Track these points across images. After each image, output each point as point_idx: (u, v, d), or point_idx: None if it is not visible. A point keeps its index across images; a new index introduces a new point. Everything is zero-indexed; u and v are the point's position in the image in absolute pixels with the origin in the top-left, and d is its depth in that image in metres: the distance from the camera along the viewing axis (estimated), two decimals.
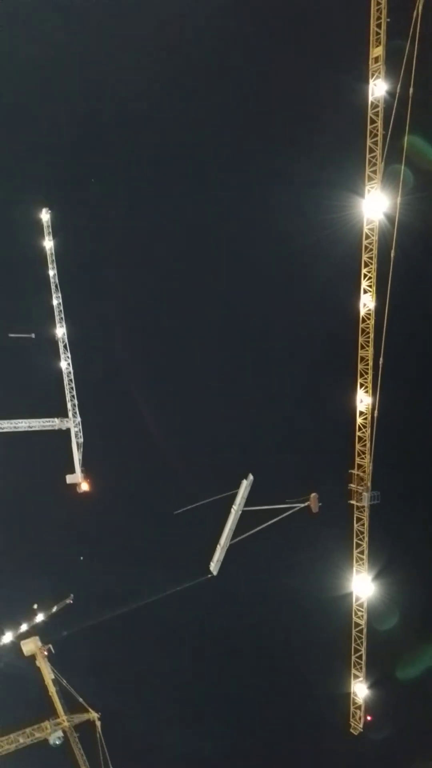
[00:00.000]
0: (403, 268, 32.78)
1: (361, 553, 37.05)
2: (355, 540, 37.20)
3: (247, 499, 38.93)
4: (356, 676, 38.91)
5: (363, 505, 36.33)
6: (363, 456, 35.83)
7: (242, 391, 46.36)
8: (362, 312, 34.06)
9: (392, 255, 32.25)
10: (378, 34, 29.45)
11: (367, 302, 33.82)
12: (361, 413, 35.35)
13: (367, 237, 32.67)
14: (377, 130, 30.67)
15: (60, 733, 39.15)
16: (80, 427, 46.19)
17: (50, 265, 47.59)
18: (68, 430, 46.06)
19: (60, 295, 47.25)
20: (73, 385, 46.75)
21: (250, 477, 39.41)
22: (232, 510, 38.66)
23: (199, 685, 45.99)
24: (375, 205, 31.97)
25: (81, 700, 40.03)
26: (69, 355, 46.96)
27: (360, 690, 39.04)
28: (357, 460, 36.28)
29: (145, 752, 43.09)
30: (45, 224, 47.86)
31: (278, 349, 45.58)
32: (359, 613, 37.86)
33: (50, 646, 40.58)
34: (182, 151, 44.01)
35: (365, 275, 33.39)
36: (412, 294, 38.15)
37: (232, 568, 38.69)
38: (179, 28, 41.71)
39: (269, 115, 42.03)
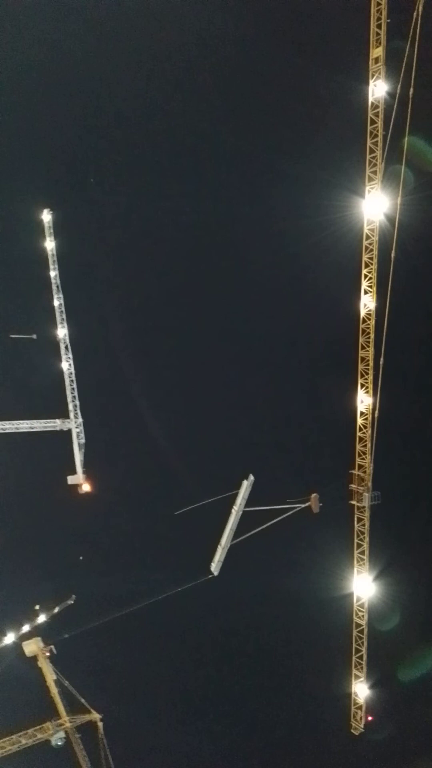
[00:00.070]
0: (403, 268, 32.80)
1: (362, 553, 37.08)
2: (355, 540, 37.23)
3: (248, 500, 38.97)
4: (357, 677, 38.95)
5: (364, 506, 36.35)
6: (364, 456, 35.85)
7: (243, 392, 46.41)
8: (363, 312, 34.08)
9: (393, 255, 32.29)
10: (378, 34, 29.46)
11: (367, 303, 33.84)
12: (362, 413, 35.37)
13: (368, 237, 32.68)
14: (377, 131, 30.67)
15: (62, 734, 39.17)
16: (82, 427, 46.19)
17: (52, 266, 47.52)
18: (70, 431, 46.04)
19: (61, 296, 47.21)
20: (75, 385, 46.75)
21: (251, 477, 39.45)
22: (233, 510, 38.69)
23: (200, 685, 46.04)
24: (375, 206, 31.98)
25: (83, 700, 40.08)
26: (70, 356, 46.97)
27: (361, 690, 39.07)
28: (358, 460, 36.29)
29: (147, 753, 43.13)
30: (46, 225, 47.82)
31: (279, 349, 45.59)
32: (360, 614, 37.90)
33: (52, 646, 40.65)
34: (184, 152, 44.02)
35: (366, 276, 33.40)
36: (412, 294, 38.18)
37: (233, 568, 38.73)
38: (180, 28, 41.68)
39: (269, 115, 42.01)
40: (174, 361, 46.75)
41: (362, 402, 35.25)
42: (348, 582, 38.07)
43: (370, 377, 34.42)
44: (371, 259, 32.88)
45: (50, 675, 40.24)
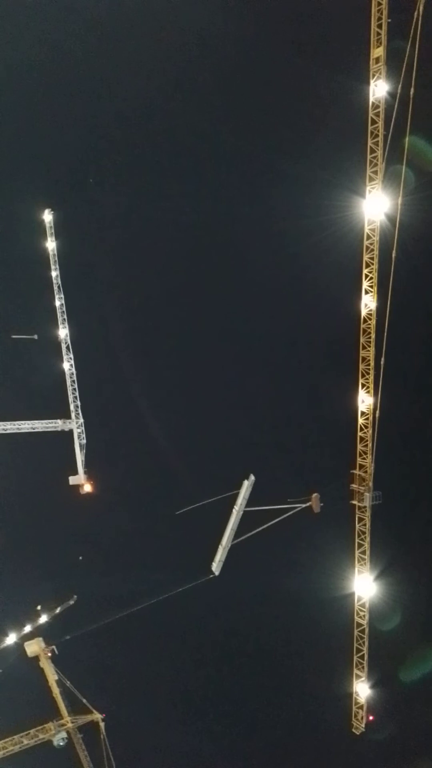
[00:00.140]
0: (404, 268, 32.80)
1: (363, 553, 37.12)
2: (356, 540, 37.28)
3: (249, 500, 39.01)
4: (358, 676, 39.01)
5: (365, 506, 36.39)
6: (365, 456, 35.89)
7: (244, 392, 46.38)
8: (363, 312, 34.11)
9: (393, 255, 32.31)
10: (379, 34, 29.49)
11: (368, 303, 33.88)
12: (363, 413, 35.42)
13: (369, 237, 32.71)
14: (378, 131, 30.70)
15: (64, 734, 39.28)
16: (83, 428, 46.18)
17: (53, 266, 47.50)
18: (71, 432, 46.04)
19: (62, 296, 47.19)
20: (76, 386, 46.72)
21: (252, 477, 39.48)
22: (234, 510, 38.73)
23: (201, 685, 46.03)
24: (376, 206, 32.00)
25: (84, 701, 40.16)
26: (72, 356, 46.95)
27: (362, 690, 39.15)
28: (358, 460, 36.34)
29: (149, 752, 43.13)
30: (48, 225, 47.79)
31: (280, 349, 45.56)
32: (361, 613, 37.96)
33: (54, 647, 40.72)
34: (184, 152, 43.97)
35: (366, 276, 33.44)
36: (413, 294, 38.13)
37: (234, 568, 38.75)
38: (180, 28, 41.68)
39: (270, 115, 41.97)
40: (175, 361, 46.75)
41: (363, 402, 35.30)
42: (349, 582, 38.12)
43: (371, 377, 34.47)
44: (372, 259, 32.91)
45: (52, 675, 40.34)
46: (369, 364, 34.37)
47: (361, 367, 34.79)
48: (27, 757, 38.18)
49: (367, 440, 35.47)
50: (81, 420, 46.14)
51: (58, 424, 45.62)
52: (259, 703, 45.56)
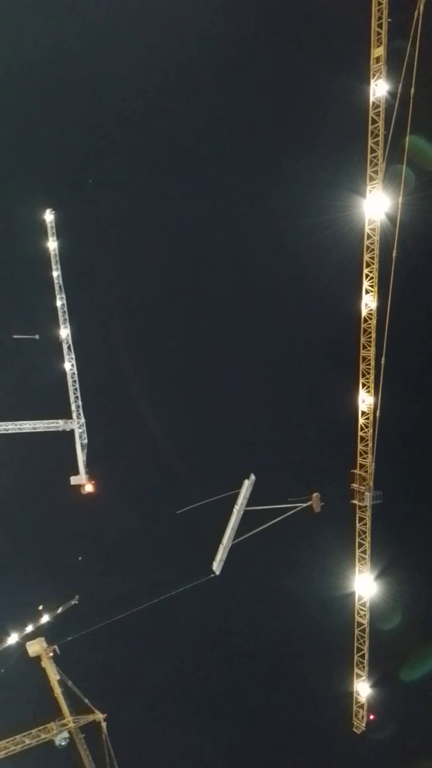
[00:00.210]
0: (404, 268, 32.81)
1: (364, 552, 37.16)
2: (357, 539, 37.30)
3: (250, 499, 39.03)
4: (359, 676, 39.06)
5: (365, 505, 36.42)
6: (365, 456, 35.93)
7: (244, 392, 46.38)
8: (364, 312, 34.14)
9: (394, 255, 32.34)
10: (379, 34, 29.51)
11: (368, 302, 33.90)
12: (363, 413, 35.45)
13: (369, 237, 32.73)
14: (378, 130, 30.72)
15: (66, 734, 39.38)
16: (84, 428, 46.21)
17: (54, 266, 47.45)
18: (72, 432, 46.06)
19: (64, 296, 47.15)
20: (77, 386, 46.67)
21: (252, 477, 39.49)
22: (235, 510, 38.74)
23: (203, 684, 46.09)
24: (377, 205, 32.01)
25: (86, 700, 40.24)
26: (73, 356, 46.92)
27: (362, 689, 39.20)
28: (359, 459, 36.37)
29: (151, 752, 43.19)
30: (49, 225, 47.72)
31: (280, 349, 45.58)
32: (362, 613, 38.01)
33: (56, 647, 40.80)
34: (185, 151, 43.95)
35: (367, 275, 33.46)
36: (413, 294, 38.10)
37: (234, 567, 38.77)
38: (180, 27, 41.68)
39: (270, 115, 41.96)
40: (176, 361, 46.76)
41: (364, 401, 35.34)
42: (349, 581, 38.16)
43: (372, 377, 34.51)
44: (372, 258, 32.94)
45: (54, 675, 40.44)
46: (369, 364, 34.41)
47: (362, 366, 34.82)
48: (29, 756, 38.28)
49: (367, 440, 35.52)
50: (82, 420, 46.15)
51: (59, 424, 45.63)
52: (260, 702, 45.62)
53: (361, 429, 35.67)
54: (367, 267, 33.27)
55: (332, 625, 40.28)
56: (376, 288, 33.37)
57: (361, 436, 35.80)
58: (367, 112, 30.86)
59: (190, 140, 43.73)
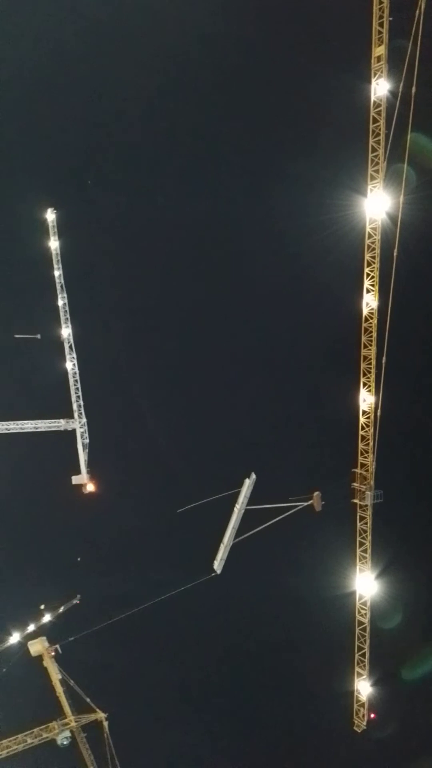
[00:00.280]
0: (405, 267, 32.79)
1: (365, 551, 37.14)
2: (358, 538, 37.29)
3: (250, 498, 38.97)
4: (359, 674, 39.08)
5: (366, 504, 36.39)
6: (366, 455, 35.91)
7: (245, 391, 46.43)
8: (365, 311, 34.10)
9: (395, 254, 32.28)
10: (380, 33, 29.42)
11: (369, 301, 33.85)
12: (364, 412, 35.42)
13: (370, 236, 32.66)
14: (380, 129, 30.65)
15: (67, 734, 39.42)
16: (86, 427, 46.24)
17: (56, 266, 47.46)
18: (74, 431, 46.09)
19: (65, 295, 47.20)
20: (79, 385, 46.71)
21: (253, 476, 39.44)
22: (235, 509, 38.70)
23: (204, 683, 46.18)
24: (378, 205, 31.96)
25: (88, 700, 40.29)
26: (74, 355, 46.96)
27: (363, 688, 39.21)
28: (360, 459, 36.35)
29: (152, 751, 43.28)
30: (50, 224, 47.70)
31: (281, 348, 45.63)
32: (362, 612, 37.99)
33: (57, 646, 40.85)
34: (186, 151, 44.00)
35: (368, 274, 33.41)
36: (414, 293, 38.10)
37: (235, 566, 38.77)
38: (180, 26, 41.67)
39: (271, 114, 41.98)
40: (177, 360, 46.82)
41: (364, 401, 35.31)
42: (350, 580, 38.15)
43: (373, 376, 34.47)
44: (373, 257, 32.88)
45: (55, 674, 40.51)
46: (370, 363, 34.38)
47: (363, 365, 34.79)
48: (31, 756, 38.38)
49: (368, 439, 35.50)
50: (84, 419, 46.18)
51: (60, 424, 45.66)
52: (261, 700, 45.69)
53: (362, 428, 35.65)
54: (368, 266, 33.22)
55: (333, 624, 40.30)
56: (377, 287, 33.33)
57: (362, 435, 35.79)
58: (368, 111, 30.81)
59: (190, 140, 43.77)
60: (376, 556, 37.27)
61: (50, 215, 47.86)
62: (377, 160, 31.09)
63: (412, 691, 42.80)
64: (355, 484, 36.65)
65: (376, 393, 34.72)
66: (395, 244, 32.18)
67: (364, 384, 35.04)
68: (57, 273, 47.42)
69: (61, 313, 47.13)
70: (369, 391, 34.95)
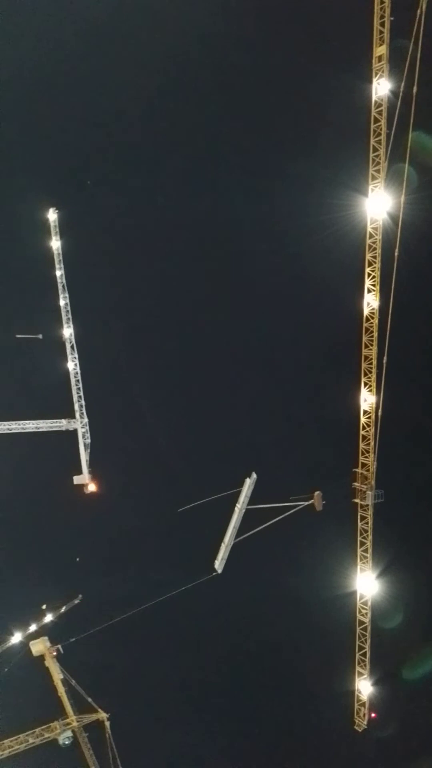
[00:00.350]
0: (406, 267, 32.80)
1: (365, 551, 37.18)
2: (359, 538, 37.32)
3: (251, 497, 38.98)
4: (360, 674, 39.13)
5: (367, 504, 36.41)
6: (367, 455, 35.94)
7: (246, 391, 46.48)
8: (366, 311, 34.13)
9: (396, 254, 32.30)
10: (381, 32, 29.44)
11: (370, 301, 33.88)
12: (365, 412, 35.45)
13: (371, 236, 32.69)
14: (381, 129, 30.68)
15: (69, 734, 39.40)
16: (87, 427, 46.28)
17: (57, 266, 47.46)
18: (75, 431, 46.12)
19: (67, 295, 47.22)
20: (80, 385, 46.73)
21: (254, 476, 39.46)
22: (236, 508, 38.71)
23: (205, 682, 46.22)
24: (379, 204, 31.99)
25: (90, 700, 40.29)
26: (76, 355, 46.97)
27: (364, 687, 39.27)
28: (361, 458, 36.38)
29: (154, 751, 43.32)
30: (52, 224, 47.72)
31: (282, 348, 45.65)
32: (363, 611, 38.04)
33: (59, 646, 40.87)
34: (187, 151, 43.98)
35: (369, 274, 33.43)
36: (415, 293, 38.10)
37: (236, 566, 38.80)
38: (180, 27, 41.65)
39: (272, 114, 41.98)
40: (178, 360, 46.88)
41: (365, 400, 35.34)
42: (351, 580, 38.19)
43: (374, 376, 34.51)
44: (374, 257, 32.90)
45: (57, 674, 40.48)
46: (371, 363, 34.41)
47: (364, 365, 34.82)
48: (32, 755, 38.38)
49: (369, 438, 35.53)
50: (85, 419, 46.21)
51: (62, 424, 45.69)
52: (262, 700, 45.74)
53: (363, 428, 35.68)
54: (369, 266, 33.25)
55: (334, 624, 40.34)
56: (377, 287, 33.35)
57: (362, 435, 35.82)
58: (369, 111, 30.82)
59: (190, 140, 43.73)
60: (377, 555, 37.31)
61: (52, 215, 47.87)
62: (378, 160, 31.11)
63: (412, 690, 42.87)
64: (356, 483, 36.69)
65: (377, 393, 34.76)
66: (396, 244, 32.21)
67: (365, 384, 35.06)
68: (58, 273, 47.43)
69: (63, 313, 47.14)
70: (370, 390, 34.97)
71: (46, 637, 41.53)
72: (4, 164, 44.35)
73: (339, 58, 36.51)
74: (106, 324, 47.39)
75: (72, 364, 46.92)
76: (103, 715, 40.31)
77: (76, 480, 45.59)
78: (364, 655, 38.64)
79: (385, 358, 33.95)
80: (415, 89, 29.80)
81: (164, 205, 43.89)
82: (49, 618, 43.28)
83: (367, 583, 37.79)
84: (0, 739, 37.74)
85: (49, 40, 42.83)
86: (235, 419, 45.90)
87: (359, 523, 37.17)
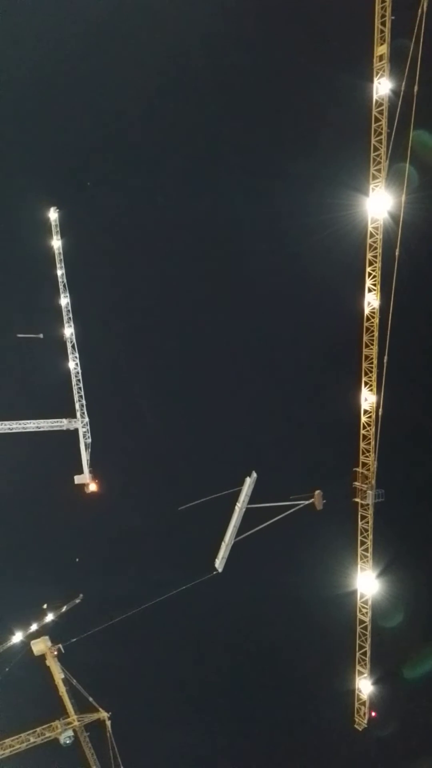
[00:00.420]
0: (407, 266, 32.84)
1: (366, 550, 37.20)
2: (359, 537, 37.35)
3: (252, 496, 38.99)
4: (361, 673, 39.18)
5: (367, 503, 36.44)
6: (367, 454, 35.96)
7: (247, 390, 46.51)
8: (366, 311, 34.14)
9: (396, 253, 32.32)
10: (382, 32, 29.44)
11: (371, 301, 33.89)
12: (366, 411, 35.47)
13: (372, 236, 32.70)
14: (381, 129, 30.70)
15: (70, 733, 39.40)
16: (88, 427, 46.28)
17: (58, 265, 47.43)
18: (76, 431, 46.12)
19: (68, 294, 47.22)
20: (81, 385, 46.72)
21: (254, 475, 39.48)
22: (236, 507, 38.72)
23: (206, 682, 46.27)
24: (379, 204, 32.00)
25: (91, 699, 40.31)
26: (77, 355, 46.97)
27: (364, 686, 39.31)
28: (361, 458, 36.40)
29: (155, 750, 43.36)
30: (53, 223, 47.69)
31: (282, 347, 45.67)
32: (363, 610, 38.07)
33: (60, 645, 40.88)
34: (188, 150, 43.99)
35: (369, 274, 33.44)
36: (416, 292, 38.11)
37: (236, 565, 38.84)
38: (180, 27, 41.65)
39: (272, 113, 42.00)
40: (179, 359, 46.89)
41: (366, 400, 35.36)
42: (352, 579, 38.21)
43: (374, 375, 34.52)
44: (375, 257, 32.91)
45: (58, 674, 40.49)
46: (372, 362, 34.43)
47: (364, 365, 34.84)
48: (33, 755, 38.42)
49: (370, 438, 35.55)
50: (86, 419, 46.23)
51: (63, 424, 45.69)
52: (262, 699, 45.79)
53: (364, 427, 35.70)
54: (369, 265, 33.25)
55: (334, 623, 40.39)
56: (378, 286, 33.37)
57: (363, 435, 35.84)
58: (370, 111, 30.84)
59: (191, 140, 43.74)
60: (377, 555, 37.33)
61: (53, 214, 47.85)
62: (379, 160, 31.13)
63: (413, 689, 42.91)
64: (356, 483, 36.69)
65: (378, 392, 34.77)
66: (397, 244, 32.22)
67: (366, 383, 35.08)
68: (59, 272, 47.41)
69: (64, 313, 47.12)
70: (370, 390, 34.99)
71: (47, 637, 41.56)
72: (5, 164, 44.36)
73: (339, 58, 36.55)
74: (106, 323, 47.43)
75: (73, 364, 46.92)
76: (104, 714, 40.32)
77: (77, 480, 45.60)
78: (365, 654, 38.68)
79: (385, 357, 33.96)
80: (416, 88, 29.83)
81: (164, 204, 43.90)
82: (50, 617, 43.30)
83: (367, 583, 37.81)
84: (1, 739, 37.79)
85: (49, 40, 42.82)
86: (235, 418, 45.92)
87: (360, 523, 37.18)
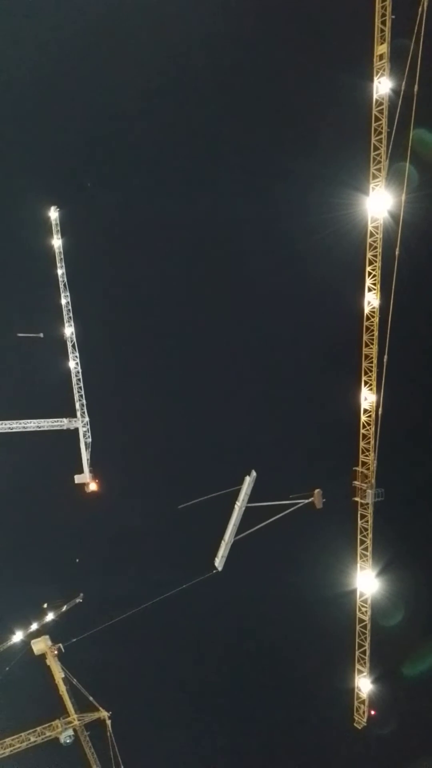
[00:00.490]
0: (407, 266, 32.88)
1: (365, 549, 37.23)
2: (359, 536, 37.39)
3: (251, 495, 39.01)
4: (360, 671, 39.22)
5: (367, 502, 36.48)
6: (367, 453, 35.99)
7: (247, 389, 46.56)
8: (366, 310, 34.13)
9: (396, 253, 32.34)
10: (382, 31, 29.42)
11: (371, 300, 33.90)
12: (366, 411, 35.50)
13: (372, 235, 32.71)
14: (382, 128, 30.69)
15: (71, 732, 39.41)
16: (88, 426, 46.29)
17: (59, 264, 47.39)
18: (76, 430, 46.13)
19: (68, 294, 47.18)
20: (81, 384, 46.71)
21: (254, 474, 39.51)
22: (236, 506, 38.74)
23: (206, 681, 46.32)
24: (379, 203, 32.02)
25: (91, 698, 40.32)
26: (77, 354, 46.96)
27: (364, 685, 39.36)
28: (361, 457, 36.42)
29: (155, 749, 43.40)
30: (53, 223, 47.65)
31: (282, 346, 45.73)
32: (363, 609, 38.11)
33: (60, 645, 40.88)
34: (188, 149, 44.01)
35: (369, 273, 33.46)
36: (416, 292, 38.18)
37: (236, 564, 38.87)
38: (180, 27, 41.66)
39: (273, 113, 42.05)
40: (179, 358, 46.92)
41: (366, 399, 35.37)
42: (351, 578, 38.23)
43: (374, 375, 34.52)
44: (375, 256, 32.91)
45: (58, 673, 40.48)
46: (372, 362, 34.43)
47: (364, 364, 34.86)
48: (34, 754, 38.44)
49: (369, 437, 35.57)
50: (86, 418, 46.23)
51: (63, 423, 45.68)
52: (262, 698, 45.84)
53: (364, 426, 35.72)
54: (369, 265, 33.26)
55: (334, 622, 40.44)
56: (378, 286, 33.37)
57: (363, 434, 35.85)
58: (370, 110, 30.83)
59: (193, 138, 43.76)
60: (376, 553, 37.35)
61: (53, 213, 47.82)
62: (379, 159, 31.13)
63: (412, 688, 42.99)
64: (356, 482, 36.71)
65: (378, 391, 34.77)
66: (397, 243, 32.24)
67: (366, 382, 35.10)
68: (60, 271, 47.39)
69: (64, 312, 47.09)
70: (370, 389, 35.01)
71: (47, 636, 41.56)
72: (4, 164, 44.35)
73: (340, 57, 36.58)
74: (107, 323, 47.42)
75: (73, 363, 46.91)
76: (104, 713, 40.34)
77: (77, 479, 45.60)
78: (364, 652, 38.72)
79: (385, 356, 33.96)
80: (416, 88, 29.81)
81: (164, 204, 43.88)
82: (50, 617, 43.31)
83: (367, 581, 37.84)
84: (1, 738, 37.81)
85: (49, 40, 42.80)
86: (234, 418, 45.96)
87: (359, 522, 37.21)
